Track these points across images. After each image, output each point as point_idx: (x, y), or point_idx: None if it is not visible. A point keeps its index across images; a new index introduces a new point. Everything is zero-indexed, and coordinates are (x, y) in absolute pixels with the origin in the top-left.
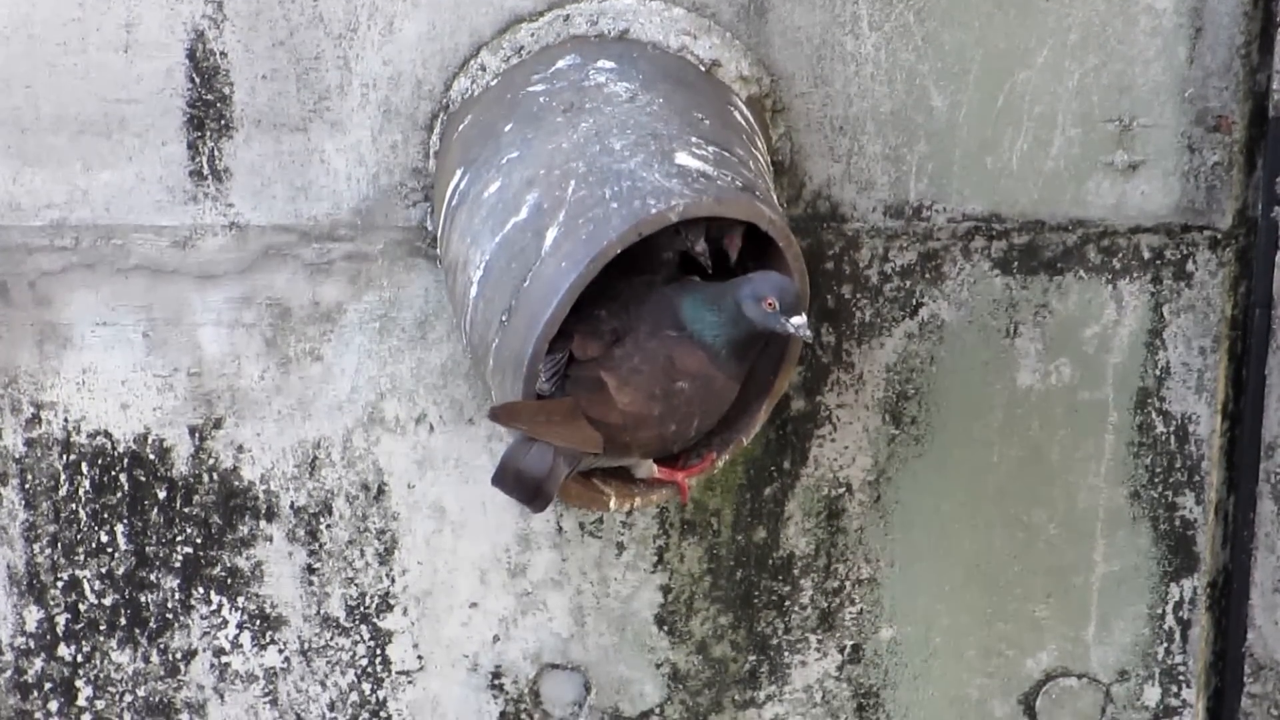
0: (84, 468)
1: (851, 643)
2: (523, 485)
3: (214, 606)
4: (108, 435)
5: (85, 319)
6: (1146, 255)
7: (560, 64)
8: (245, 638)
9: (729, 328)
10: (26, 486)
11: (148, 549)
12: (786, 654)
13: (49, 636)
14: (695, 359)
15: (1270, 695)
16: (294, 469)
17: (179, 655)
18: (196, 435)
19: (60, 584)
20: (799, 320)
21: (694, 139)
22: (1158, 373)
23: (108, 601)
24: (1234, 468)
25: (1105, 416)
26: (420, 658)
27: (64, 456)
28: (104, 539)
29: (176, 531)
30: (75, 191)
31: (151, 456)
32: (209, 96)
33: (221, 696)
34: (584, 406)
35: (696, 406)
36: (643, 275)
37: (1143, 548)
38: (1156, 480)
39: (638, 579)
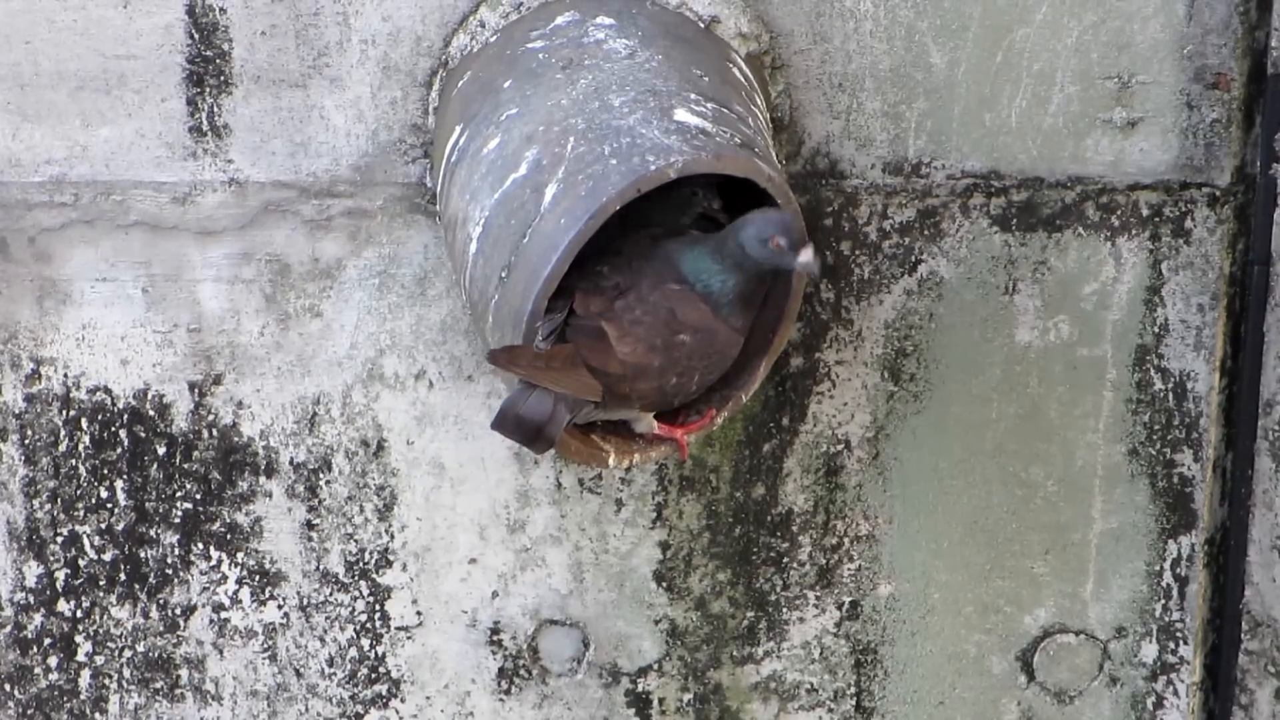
0: (84, 424)
1: (850, 599)
2: (523, 429)
3: (213, 562)
4: (107, 391)
5: (85, 275)
6: (1145, 212)
7: (559, 20)
8: (245, 593)
9: (733, 274)
10: (26, 442)
11: (147, 505)
12: (785, 610)
13: (49, 592)
14: (697, 311)
15: (1267, 652)
16: (293, 425)
17: (178, 611)
18: (196, 391)
19: (60, 540)
20: (807, 254)
21: (693, 96)
22: (1156, 330)
23: (107, 557)
24: (1232, 425)
25: (1104, 374)
26: (419, 613)
27: (64, 412)
28: (104, 495)
29: (176, 487)
30: (75, 148)
31: (151, 412)
32: (208, 53)
33: (221, 652)
34: (584, 355)
35: (698, 360)
36: (647, 229)
37: (1141, 505)
38: (1155, 437)
39: (636, 535)
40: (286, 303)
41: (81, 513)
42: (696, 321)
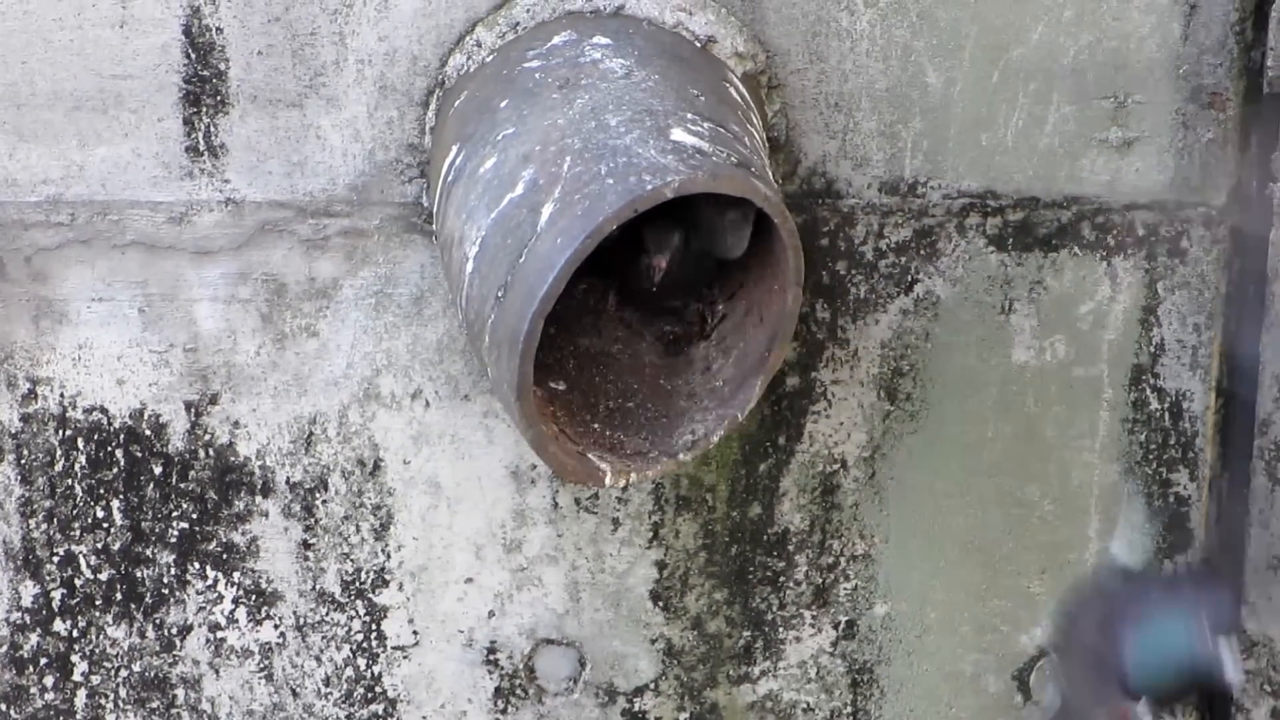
0: (80, 443)
1: (846, 618)
2: None
3: (209, 582)
4: (103, 411)
5: (81, 295)
6: (1141, 232)
7: (556, 40)
8: (241, 613)
9: None
10: (22, 462)
11: (143, 524)
12: (781, 630)
13: (44, 612)
14: None
15: (1263, 671)
16: (290, 445)
17: (174, 630)
18: (192, 411)
19: (56, 559)
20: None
21: (689, 115)
22: (1152, 349)
23: (103, 577)
24: (1228, 444)
25: (1100, 393)
26: (415, 633)
27: (60, 432)
28: (100, 514)
29: (172, 507)
30: (71, 167)
31: (147, 432)
32: (205, 72)
33: (217, 671)
34: None
35: None
36: None
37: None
38: (1150, 457)
39: (633, 555)
40: (283, 322)
41: (78, 532)
42: None
